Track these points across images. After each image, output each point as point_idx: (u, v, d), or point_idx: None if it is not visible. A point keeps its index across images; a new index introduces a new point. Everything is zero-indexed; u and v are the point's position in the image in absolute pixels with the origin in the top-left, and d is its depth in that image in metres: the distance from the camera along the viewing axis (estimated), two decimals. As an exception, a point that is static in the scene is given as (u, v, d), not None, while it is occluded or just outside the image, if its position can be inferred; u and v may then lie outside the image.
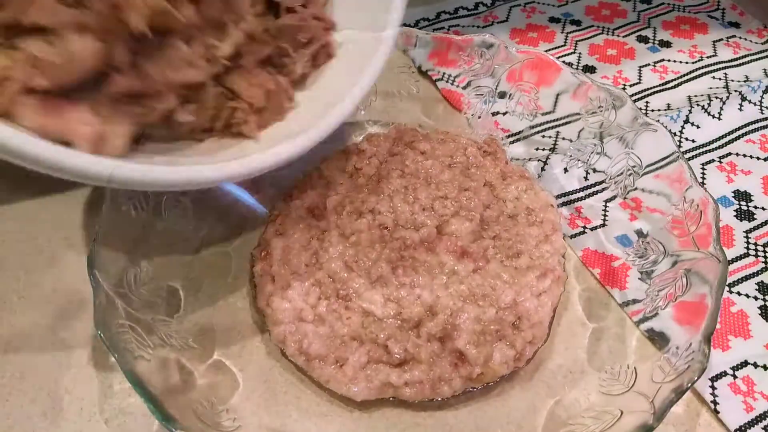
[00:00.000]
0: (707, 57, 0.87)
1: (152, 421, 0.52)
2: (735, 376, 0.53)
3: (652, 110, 0.76)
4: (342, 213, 0.57)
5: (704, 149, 0.77)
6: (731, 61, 0.86)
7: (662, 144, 0.61)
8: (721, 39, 0.89)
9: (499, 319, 0.48)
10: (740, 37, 0.89)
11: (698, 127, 0.79)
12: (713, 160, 0.76)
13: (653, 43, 0.91)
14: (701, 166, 0.75)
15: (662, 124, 0.62)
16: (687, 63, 0.88)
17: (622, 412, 0.46)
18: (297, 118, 0.47)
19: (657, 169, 0.61)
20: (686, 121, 0.79)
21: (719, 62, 0.87)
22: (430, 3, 0.93)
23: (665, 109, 0.75)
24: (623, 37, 0.92)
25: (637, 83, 0.84)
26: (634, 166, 0.61)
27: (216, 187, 0.60)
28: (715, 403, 0.52)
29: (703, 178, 0.73)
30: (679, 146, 0.67)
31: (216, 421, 0.46)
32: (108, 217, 0.57)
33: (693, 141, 0.78)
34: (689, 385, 0.44)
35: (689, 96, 0.82)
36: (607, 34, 0.88)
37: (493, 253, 0.54)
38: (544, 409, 0.50)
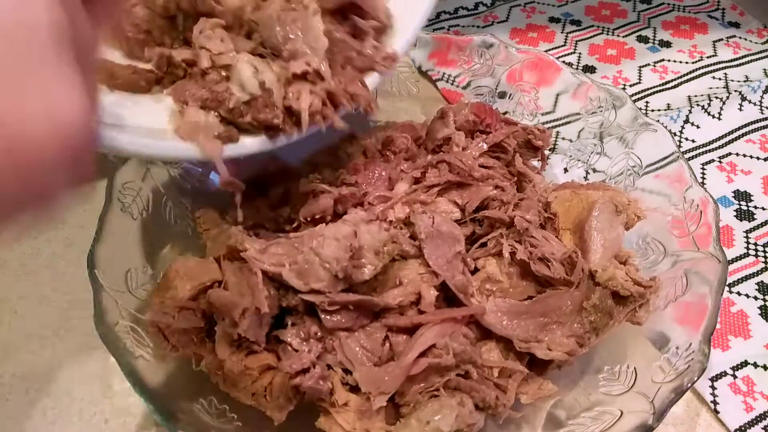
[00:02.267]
0: (707, 57, 0.87)
1: (152, 421, 0.51)
2: (735, 376, 0.54)
3: (652, 110, 0.77)
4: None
5: (704, 149, 0.77)
6: (731, 61, 0.87)
7: (662, 144, 0.62)
8: (721, 39, 0.89)
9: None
10: (740, 37, 0.87)
11: (698, 127, 0.79)
12: (713, 160, 0.76)
13: (653, 43, 0.88)
14: (701, 166, 0.75)
15: (662, 124, 0.63)
16: (687, 63, 0.88)
17: (622, 413, 0.48)
18: None
19: (657, 169, 0.62)
20: (686, 121, 0.79)
21: (719, 62, 0.88)
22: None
23: (665, 109, 0.75)
24: (623, 37, 0.92)
25: (637, 83, 0.84)
26: (634, 166, 0.61)
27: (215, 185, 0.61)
28: (715, 403, 0.52)
29: (703, 178, 0.73)
30: (679, 146, 0.67)
31: (216, 420, 0.49)
32: (108, 217, 0.57)
33: (693, 141, 0.78)
34: (689, 385, 0.45)
35: (689, 96, 0.83)
36: (607, 34, 0.88)
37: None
38: (544, 410, 0.49)
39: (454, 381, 0.49)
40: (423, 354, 0.49)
